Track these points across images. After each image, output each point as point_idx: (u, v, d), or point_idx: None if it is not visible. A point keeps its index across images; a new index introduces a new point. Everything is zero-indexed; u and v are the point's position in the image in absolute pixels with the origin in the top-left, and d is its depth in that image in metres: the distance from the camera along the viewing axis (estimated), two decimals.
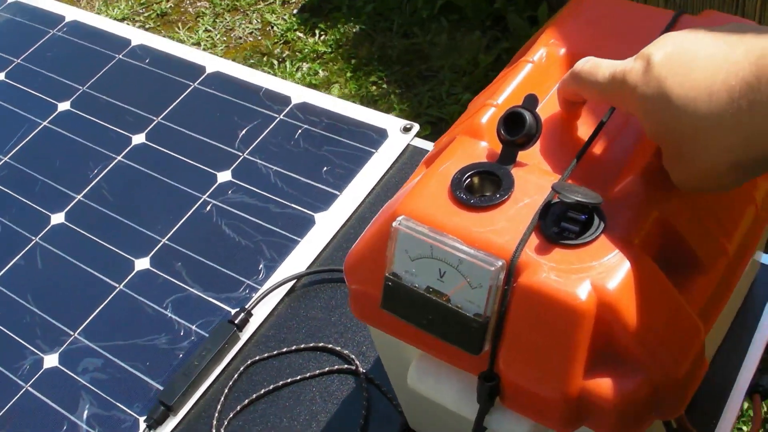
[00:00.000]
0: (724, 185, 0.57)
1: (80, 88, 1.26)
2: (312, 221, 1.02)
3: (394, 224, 0.61)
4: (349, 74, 2.55)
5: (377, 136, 1.09)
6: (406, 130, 1.09)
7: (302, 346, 0.92)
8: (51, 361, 0.96)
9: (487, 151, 0.64)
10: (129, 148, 1.16)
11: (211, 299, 0.97)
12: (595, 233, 0.58)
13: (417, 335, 0.63)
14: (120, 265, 1.03)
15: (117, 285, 1.01)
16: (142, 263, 1.03)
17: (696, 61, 0.54)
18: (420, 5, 2.66)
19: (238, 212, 1.05)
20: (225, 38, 2.79)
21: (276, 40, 2.73)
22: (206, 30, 2.83)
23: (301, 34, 2.73)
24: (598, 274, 0.56)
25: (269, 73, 2.59)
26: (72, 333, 0.98)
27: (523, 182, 0.61)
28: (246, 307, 0.94)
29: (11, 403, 0.93)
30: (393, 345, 0.69)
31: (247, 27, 2.82)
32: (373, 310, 0.65)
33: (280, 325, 0.94)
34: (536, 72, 0.70)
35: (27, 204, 1.13)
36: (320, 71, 2.58)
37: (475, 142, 0.65)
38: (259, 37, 2.77)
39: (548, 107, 0.68)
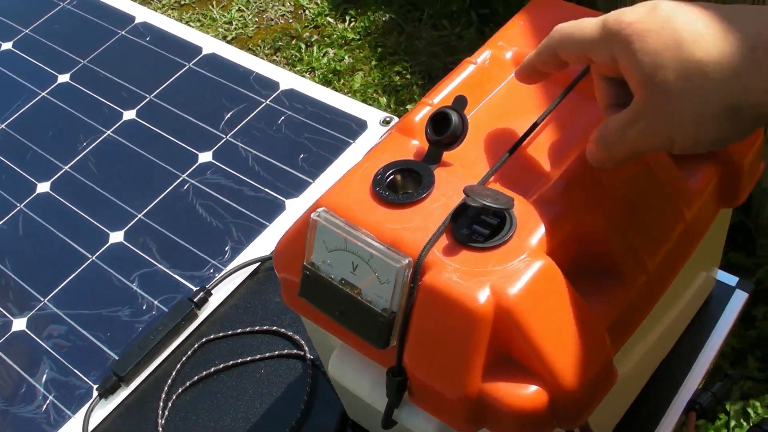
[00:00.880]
0: (721, 137, 0.54)
1: (81, 61, 1.28)
2: (282, 207, 1.03)
3: (313, 215, 0.62)
4: (374, 62, 2.56)
5: (356, 127, 1.10)
6: (386, 122, 1.10)
7: (256, 328, 0.94)
8: (19, 324, 0.99)
9: (416, 149, 0.65)
10: (119, 123, 1.18)
11: (176, 276, 0.99)
12: (504, 237, 0.59)
13: (335, 324, 0.65)
14: (96, 236, 1.05)
15: (90, 256, 1.04)
16: (117, 236, 1.05)
17: (704, 13, 0.54)
18: None
19: (213, 193, 1.06)
20: (257, 19, 2.81)
21: (306, 24, 2.75)
22: (239, 9, 2.85)
23: (331, 20, 2.74)
24: (500, 278, 0.57)
25: (296, 57, 2.60)
26: (42, 299, 1.01)
27: (443, 182, 0.62)
28: (207, 286, 0.96)
29: None
30: (319, 333, 0.70)
31: (280, 9, 2.84)
32: (297, 298, 0.67)
33: (239, 307, 0.96)
34: (478, 73, 0.71)
35: (16, 171, 1.15)
36: (346, 57, 2.59)
37: (406, 139, 0.66)
38: (291, 20, 2.79)
39: (486, 109, 0.69)
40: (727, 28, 0.53)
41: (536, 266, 0.57)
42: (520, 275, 0.57)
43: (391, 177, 0.63)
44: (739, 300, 0.89)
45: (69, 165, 1.14)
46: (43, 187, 1.13)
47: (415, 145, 0.66)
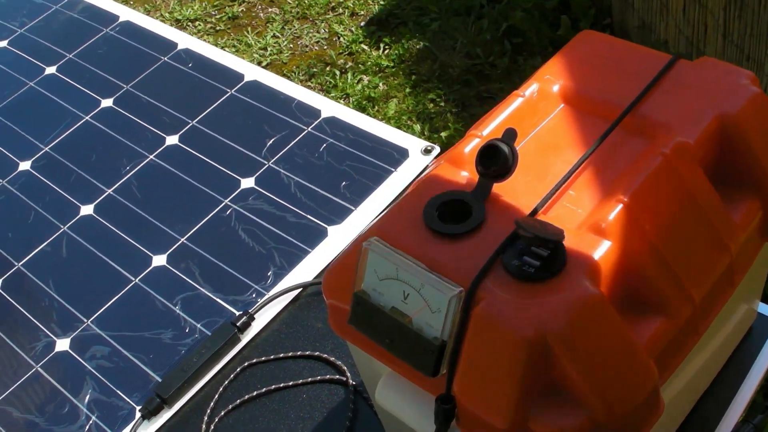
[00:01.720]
0: None
1: (124, 86, 1.31)
2: (324, 233, 1.05)
3: (364, 244, 0.63)
4: (408, 90, 2.58)
5: (398, 155, 1.11)
6: (427, 151, 1.11)
7: (299, 353, 0.95)
8: (62, 345, 1.00)
9: (465, 180, 0.66)
10: (162, 147, 1.20)
11: (218, 300, 1.01)
12: (554, 270, 0.59)
13: (385, 353, 0.65)
14: (139, 259, 1.07)
15: (133, 279, 1.05)
16: (160, 260, 1.06)
17: None
18: (485, 27, 2.68)
19: (255, 218, 1.08)
20: (291, 45, 2.84)
21: (341, 51, 2.77)
22: (274, 36, 2.88)
23: (365, 47, 2.76)
24: (550, 310, 0.57)
25: (330, 83, 2.63)
26: (85, 320, 1.02)
27: (493, 214, 0.63)
28: (249, 311, 0.97)
29: (21, 380, 0.98)
30: (366, 360, 0.71)
31: (315, 36, 2.86)
32: (346, 325, 0.68)
33: (281, 332, 0.97)
34: (526, 106, 0.72)
35: (60, 194, 1.17)
36: (380, 84, 2.61)
37: (455, 170, 0.67)
38: (325, 47, 2.81)
39: (534, 141, 0.70)
40: None
41: (586, 298, 0.58)
42: (569, 307, 0.57)
43: (442, 208, 0.64)
44: None
45: (112, 188, 1.16)
46: (87, 210, 1.14)
47: (465, 176, 0.67)
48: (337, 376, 0.92)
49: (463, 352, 0.60)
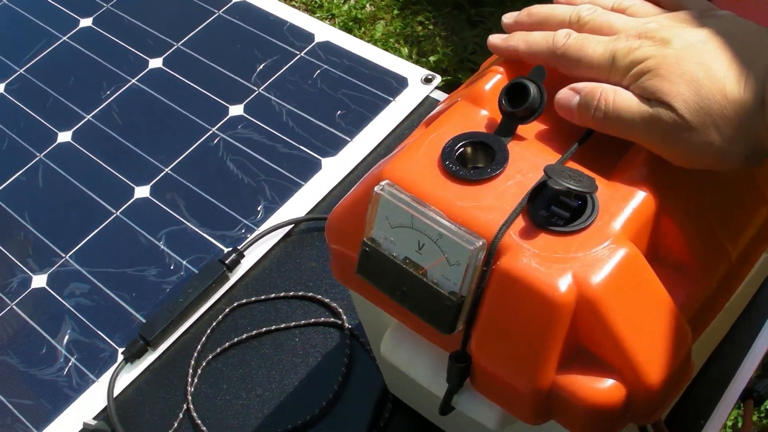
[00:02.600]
0: (728, 167, 0.55)
1: (104, 5, 1.23)
2: (318, 165, 0.99)
3: (376, 189, 0.58)
4: (396, 11, 2.49)
5: (397, 84, 1.05)
6: (428, 80, 1.05)
7: (291, 293, 0.90)
8: (39, 281, 0.95)
9: (486, 120, 0.61)
10: (145, 71, 1.13)
11: (205, 235, 0.95)
12: (586, 222, 0.54)
13: (392, 304, 0.60)
14: (120, 190, 1.01)
15: (114, 211, 0.99)
16: (142, 191, 1.00)
17: (717, 52, 0.54)
18: None
19: (244, 148, 1.02)
20: None
21: None
22: None
23: None
24: (583, 266, 0.52)
25: (315, 3, 2.54)
26: (63, 255, 0.96)
27: (518, 158, 0.58)
28: (239, 247, 0.92)
29: None
30: (371, 310, 0.66)
31: None
32: (350, 273, 0.62)
33: (272, 270, 0.92)
34: None
35: (36, 119, 1.10)
36: (367, 5, 2.52)
37: (475, 109, 0.61)
38: None
39: (559, 82, 0.64)
40: (742, 69, 0.53)
41: (621, 254, 0.53)
42: (604, 263, 0.52)
43: (461, 150, 0.59)
44: None
45: (91, 114, 1.09)
46: (65, 137, 1.08)
47: (485, 116, 0.61)
48: (332, 319, 0.87)
49: (483, 308, 0.55)
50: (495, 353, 0.55)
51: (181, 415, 0.83)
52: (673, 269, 0.57)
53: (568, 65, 0.59)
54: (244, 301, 0.90)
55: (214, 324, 0.88)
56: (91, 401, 0.85)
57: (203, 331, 0.88)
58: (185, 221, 0.97)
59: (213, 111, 1.06)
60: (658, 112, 0.54)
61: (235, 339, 0.87)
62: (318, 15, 2.50)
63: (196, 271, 0.92)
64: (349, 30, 2.44)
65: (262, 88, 1.08)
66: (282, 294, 0.90)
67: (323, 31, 1.13)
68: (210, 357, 0.86)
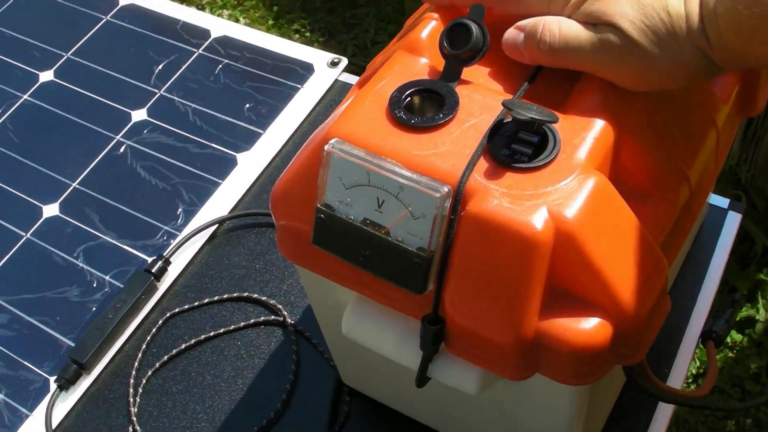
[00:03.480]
0: (678, 83, 0.54)
1: None
2: (234, 162, 0.94)
3: (326, 148, 0.54)
4: (270, 22, 2.46)
5: (303, 71, 1.01)
6: (334, 64, 1.01)
7: (225, 296, 0.85)
8: None
9: (428, 68, 0.58)
10: (36, 85, 1.06)
11: (125, 247, 0.89)
12: (550, 156, 0.52)
13: (352, 276, 0.57)
14: (27, 211, 0.94)
15: (24, 233, 0.93)
16: (51, 209, 0.94)
17: None
18: None
19: (154, 153, 0.96)
20: None
21: None
22: None
23: None
24: (555, 200, 0.50)
25: None
26: None
27: (468, 101, 0.55)
28: (164, 254, 0.87)
29: None
30: (325, 288, 0.62)
31: None
32: (302, 249, 0.58)
33: (201, 275, 0.87)
34: None
35: None
36: (241, 18, 2.48)
37: (414, 58, 0.58)
38: None
39: (496, 23, 0.61)
40: None
41: (591, 183, 0.51)
42: (577, 195, 0.50)
43: (408, 99, 0.55)
44: (733, 222, 0.85)
45: None
46: None
47: (426, 63, 0.58)
48: (273, 317, 0.83)
49: (454, 261, 0.51)
50: (471, 308, 0.52)
51: None
52: (637, 197, 0.55)
53: (506, 3, 0.57)
54: (176, 310, 0.85)
55: (149, 338, 0.83)
56: None
57: (138, 347, 0.83)
58: (102, 235, 0.91)
59: (115, 118, 1.01)
60: (605, 35, 0.52)
61: (174, 351, 0.82)
62: None
63: (122, 285, 0.86)
64: None
65: (164, 89, 1.02)
66: (216, 298, 0.85)
67: (219, 26, 1.08)
68: (150, 373, 0.81)
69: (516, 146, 0.52)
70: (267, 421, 0.76)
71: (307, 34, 2.41)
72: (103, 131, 1.00)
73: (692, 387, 1.60)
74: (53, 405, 0.80)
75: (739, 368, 1.64)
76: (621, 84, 0.54)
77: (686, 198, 0.58)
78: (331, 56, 1.02)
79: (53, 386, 0.81)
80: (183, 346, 0.82)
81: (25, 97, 1.05)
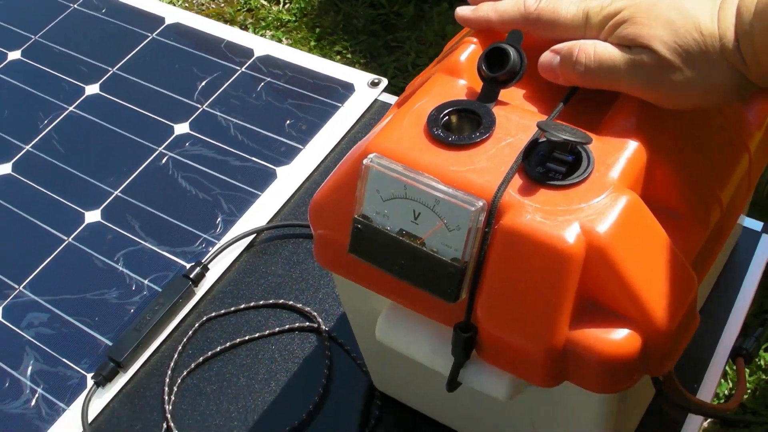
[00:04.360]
0: (713, 102, 0.56)
1: (32, 37, 1.20)
2: (273, 175, 0.97)
3: (365, 162, 0.56)
4: (312, 43, 2.49)
5: (343, 90, 1.04)
6: (374, 84, 1.04)
7: (261, 302, 0.87)
8: None
9: (466, 89, 0.60)
10: (82, 98, 1.10)
11: (165, 253, 0.92)
12: (584, 174, 0.54)
13: (386, 284, 0.59)
14: (69, 217, 0.98)
15: (66, 238, 0.96)
16: (93, 216, 0.97)
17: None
18: None
19: (195, 165, 1.00)
20: (186, 4, 2.72)
21: (239, 8, 2.66)
22: None
23: (264, 2, 2.66)
24: (588, 216, 0.52)
25: None
26: (17, 287, 0.92)
27: (504, 121, 0.57)
28: (202, 261, 0.89)
29: None
30: (360, 295, 0.64)
31: None
32: (339, 257, 0.61)
33: (238, 281, 0.90)
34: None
35: None
36: (284, 39, 2.52)
37: (453, 80, 0.61)
38: (222, 4, 2.70)
39: (533, 47, 0.64)
40: (713, 4, 0.54)
41: (624, 201, 0.53)
42: (609, 211, 0.52)
43: (446, 118, 0.58)
44: (767, 244, 0.86)
45: (31, 144, 1.06)
46: (4, 169, 1.04)
47: (464, 85, 0.61)
48: (308, 324, 0.85)
49: (487, 272, 0.54)
50: (503, 317, 0.54)
51: None
52: (669, 217, 0.57)
53: (542, 29, 0.59)
54: (213, 314, 0.87)
55: (185, 340, 0.86)
56: (65, 431, 0.81)
57: (174, 348, 0.85)
58: (142, 241, 0.94)
59: (158, 131, 1.04)
60: (639, 56, 0.54)
61: (209, 353, 0.85)
62: None
63: (159, 290, 0.89)
64: None
65: (206, 104, 1.06)
66: (252, 304, 0.88)
67: (262, 45, 1.12)
68: (185, 373, 0.84)
69: (550, 165, 0.54)
70: (299, 423, 0.78)
71: (349, 55, 2.45)
72: (145, 143, 1.03)
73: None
74: (89, 400, 0.82)
75: None
76: (657, 103, 0.56)
77: (717, 219, 0.60)
78: (371, 77, 1.05)
79: (90, 383, 0.84)
80: (218, 349, 0.85)
81: (71, 108, 1.09)
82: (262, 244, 0.93)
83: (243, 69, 1.09)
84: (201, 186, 0.97)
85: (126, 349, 0.84)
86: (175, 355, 0.85)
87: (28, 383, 0.85)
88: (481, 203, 0.53)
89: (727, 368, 1.59)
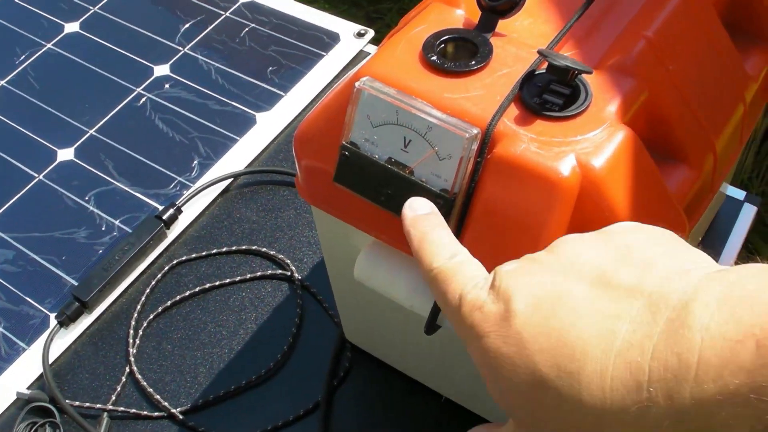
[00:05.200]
0: None
1: None
2: (253, 120, 0.94)
3: (357, 84, 0.54)
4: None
5: (328, 40, 1.02)
6: (360, 35, 1.02)
7: (234, 248, 0.85)
8: None
9: (463, 19, 0.58)
10: (61, 35, 1.07)
11: (138, 194, 0.89)
12: (581, 107, 0.52)
13: (369, 218, 0.57)
14: (42, 154, 0.94)
15: (36, 175, 0.93)
16: (66, 154, 0.94)
17: (577, 321, 0.38)
18: None
19: (173, 107, 0.97)
20: None
21: None
22: None
23: None
24: (584, 149, 0.50)
25: None
26: None
27: (502, 51, 0.55)
28: (176, 203, 0.87)
29: None
30: (340, 233, 0.62)
31: None
32: (322, 190, 0.58)
33: (211, 226, 0.87)
34: None
35: None
36: None
37: (450, 9, 0.59)
38: None
39: None
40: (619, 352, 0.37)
41: (621, 136, 0.51)
42: (605, 145, 0.50)
43: (442, 46, 0.56)
44: (748, 214, 0.85)
45: (5, 79, 1.02)
46: None
47: (461, 15, 0.58)
48: (280, 271, 0.83)
49: (476, 204, 0.52)
50: (491, 253, 0.52)
51: (123, 379, 0.77)
52: (663, 159, 0.55)
53: None
54: (184, 258, 0.85)
55: (154, 282, 0.83)
56: (24, 370, 0.78)
57: (142, 291, 0.83)
58: (114, 181, 0.91)
59: (137, 72, 1.01)
60: None
61: (178, 297, 0.82)
62: None
63: (130, 231, 0.86)
64: None
65: (188, 47, 1.03)
66: (224, 249, 0.85)
67: None
68: (151, 317, 0.81)
69: (547, 96, 0.52)
70: (266, 372, 0.76)
71: None
72: (124, 83, 1.00)
73: None
74: (51, 341, 0.79)
75: None
76: None
77: (710, 167, 0.58)
78: (358, 27, 1.03)
79: (53, 322, 0.81)
80: (187, 293, 0.82)
81: (49, 45, 1.05)
82: (238, 189, 0.90)
83: (227, 14, 1.06)
84: (178, 128, 0.94)
85: (92, 289, 0.81)
86: (143, 298, 0.82)
87: None
88: (475, 131, 0.51)
89: None
